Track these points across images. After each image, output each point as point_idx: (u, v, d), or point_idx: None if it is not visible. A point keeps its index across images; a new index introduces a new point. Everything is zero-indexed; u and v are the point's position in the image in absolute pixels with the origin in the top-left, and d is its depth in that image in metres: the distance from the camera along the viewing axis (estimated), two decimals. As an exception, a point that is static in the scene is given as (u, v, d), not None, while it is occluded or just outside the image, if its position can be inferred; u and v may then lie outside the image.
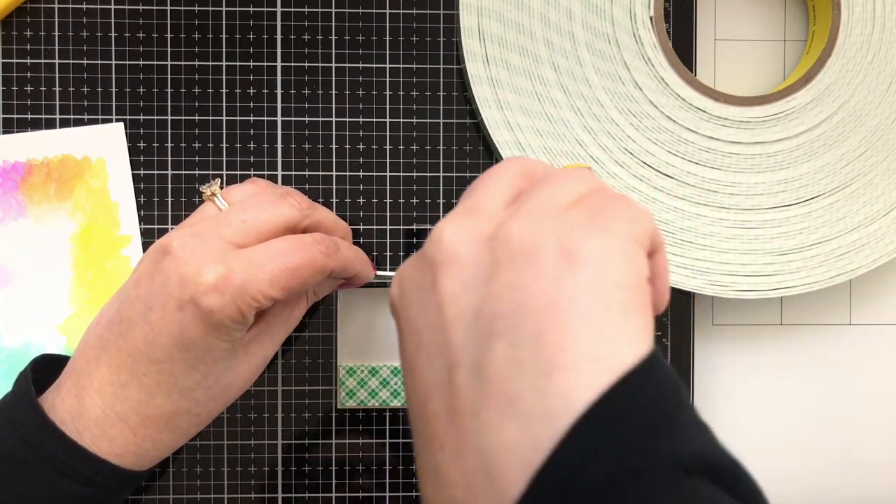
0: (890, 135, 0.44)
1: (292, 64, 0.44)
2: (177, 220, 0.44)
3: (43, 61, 0.43)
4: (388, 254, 0.44)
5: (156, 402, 0.34)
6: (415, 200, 0.44)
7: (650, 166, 0.44)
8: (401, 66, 0.44)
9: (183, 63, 0.43)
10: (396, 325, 0.28)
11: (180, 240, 0.34)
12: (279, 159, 0.44)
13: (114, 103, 0.43)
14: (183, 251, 0.33)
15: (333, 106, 0.44)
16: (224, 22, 0.44)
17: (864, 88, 0.44)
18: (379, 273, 0.42)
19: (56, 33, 0.43)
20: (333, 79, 0.44)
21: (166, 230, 0.43)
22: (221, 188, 0.37)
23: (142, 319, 0.34)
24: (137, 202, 0.43)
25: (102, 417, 0.34)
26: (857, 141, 0.44)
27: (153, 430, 0.35)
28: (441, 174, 0.45)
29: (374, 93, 0.44)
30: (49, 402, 0.34)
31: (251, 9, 0.44)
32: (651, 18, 0.43)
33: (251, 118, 0.44)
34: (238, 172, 0.44)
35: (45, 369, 0.36)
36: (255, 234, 0.35)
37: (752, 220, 0.44)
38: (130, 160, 0.43)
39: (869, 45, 0.44)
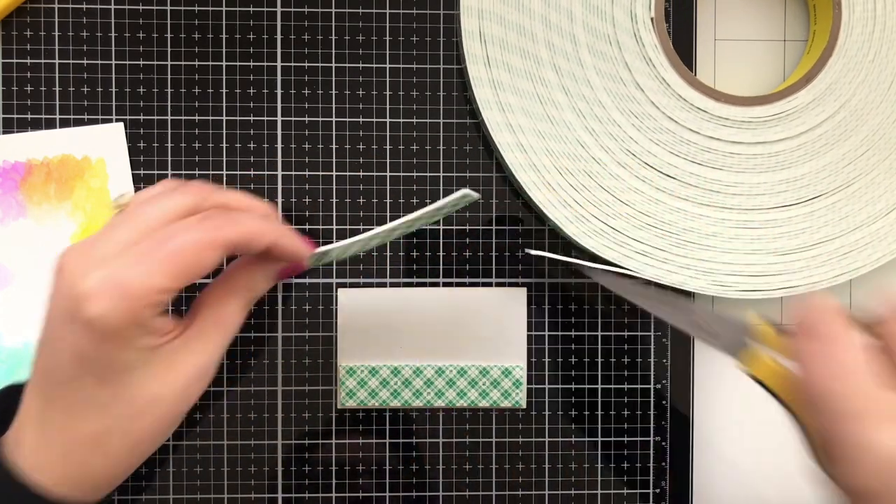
0: (892, 134, 0.44)
1: (292, 64, 0.44)
2: (177, 221, 0.43)
3: (43, 61, 0.43)
4: (387, 254, 0.44)
5: (75, 424, 0.32)
6: (415, 200, 0.44)
7: (652, 167, 0.43)
8: (401, 66, 0.44)
9: (183, 63, 0.44)
10: None
11: (69, 254, 0.32)
12: (279, 159, 0.44)
13: (114, 103, 0.43)
14: (68, 264, 0.31)
15: (333, 106, 0.44)
16: (224, 22, 0.44)
17: (865, 87, 0.44)
18: (318, 250, 0.36)
19: (56, 33, 0.43)
20: (333, 79, 0.44)
21: (166, 230, 0.43)
22: None
23: (45, 342, 0.32)
24: (137, 202, 0.43)
25: (36, 446, 0.32)
26: (859, 140, 0.44)
27: (80, 454, 0.33)
28: (441, 174, 0.44)
29: (374, 93, 0.44)
30: (12, 437, 0.33)
31: (251, 9, 0.44)
32: (652, 19, 0.43)
33: (251, 118, 0.44)
34: (238, 172, 0.44)
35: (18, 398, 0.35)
36: (146, 229, 0.32)
37: (755, 220, 0.44)
38: (130, 160, 0.43)
39: (870, 44, 0.44)
